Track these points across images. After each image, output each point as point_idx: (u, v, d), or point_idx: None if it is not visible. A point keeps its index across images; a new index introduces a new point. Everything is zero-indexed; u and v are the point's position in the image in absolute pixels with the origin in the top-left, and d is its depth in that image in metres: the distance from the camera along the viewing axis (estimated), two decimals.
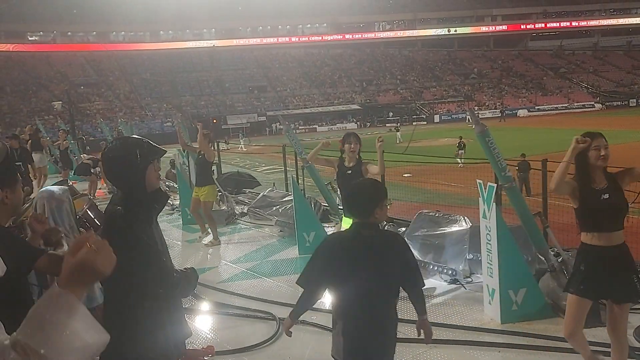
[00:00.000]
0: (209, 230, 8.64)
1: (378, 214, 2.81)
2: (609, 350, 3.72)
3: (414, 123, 48.05)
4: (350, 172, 5.56)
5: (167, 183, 13.75)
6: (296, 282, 2.96)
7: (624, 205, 3.43)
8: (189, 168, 11.12)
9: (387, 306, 2.88)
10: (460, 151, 20.77)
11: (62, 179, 13.85)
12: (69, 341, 1.17)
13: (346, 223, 5.82)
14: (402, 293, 2.98)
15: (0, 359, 1.14)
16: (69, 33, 68.65)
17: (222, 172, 13.98)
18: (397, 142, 31.35)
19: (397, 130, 36.42)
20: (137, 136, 2.72)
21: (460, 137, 21.68)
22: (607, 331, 3.60)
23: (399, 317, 5.18)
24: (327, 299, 5.83)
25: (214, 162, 9.67)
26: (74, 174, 14.23)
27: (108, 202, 2.75)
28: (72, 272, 1.24)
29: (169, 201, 12.31)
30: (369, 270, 2.76)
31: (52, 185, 4.25)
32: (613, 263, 3.41)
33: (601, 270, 3.42)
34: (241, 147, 34.81)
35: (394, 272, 2.82)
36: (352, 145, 5.55)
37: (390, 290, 2.86)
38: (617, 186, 3.42)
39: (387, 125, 56.98)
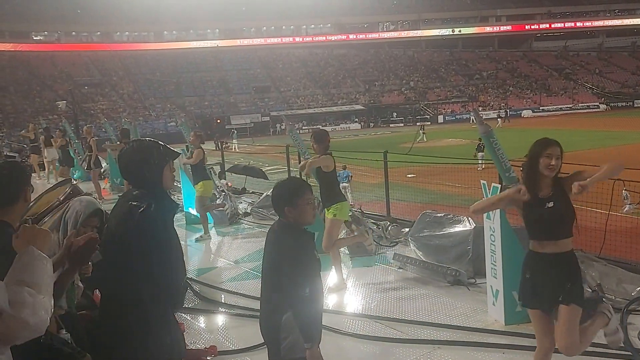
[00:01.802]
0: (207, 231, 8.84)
1: (289, 212, 2.92)
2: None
3: (417, 124, 47.96)
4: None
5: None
6: None
7: (569, 213, 3.32)
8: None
9: (273, 300, 2.95)
10: (480, 153, 20.42)
11: (64, 178, 13.88)
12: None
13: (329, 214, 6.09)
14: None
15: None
16: (73, 33, 68.78)
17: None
18: (417, 140, 31.44)
19: (422, 130, 36.18)
20: (150, 139, 2.80)
21: (480, 139, 21.32)
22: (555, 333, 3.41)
23: (403, 318, 5.19)
24: (331, 300, 5.84)
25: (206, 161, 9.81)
26: (87, 168, 14.29)
27: (117, 200, 2.78)
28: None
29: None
30: (264, 265, 3.03)
31: (56, 184, 4.26)
32: (555, 270, 3.32)
33: (543, 278, 3.33)
34: (234, 146, 34.29)
35: (272, 272, 2.96)
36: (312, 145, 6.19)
37: (274, 287, 2.94)
38: (564, 193, 3.31)
39: (390, 125, 57.00)
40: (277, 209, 3.02)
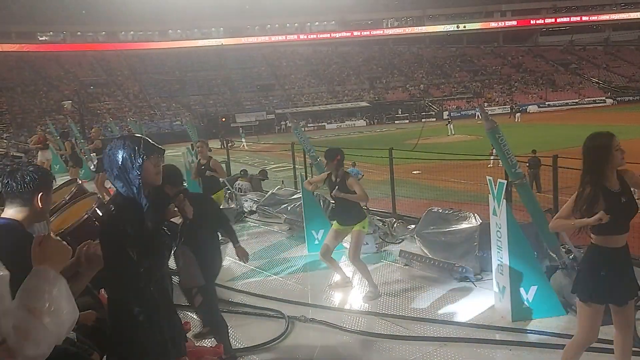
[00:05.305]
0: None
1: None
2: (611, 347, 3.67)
3: (422, 120, 47.90)
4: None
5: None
6: None
7: (636, 206, 3.32)
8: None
9: None
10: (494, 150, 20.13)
11: (70, 178, 13.90)
12: (58, 308, 1.59)
13: (336, 226, 5.95)
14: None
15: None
16: (79, 33, 69.04)
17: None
18: (449, 134, 36.51)
19: (449, 123, 38.90)
20: (135, 134, 2.76)
21: None
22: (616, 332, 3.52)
23: (409, 315, 5.18)
24: (335, 298, 5.83)
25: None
26: (96, 171, 14.31)
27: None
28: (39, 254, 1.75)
29: None
30: None
31: (62, 184, 4.27)
32: (622, 264, 3.36)
33: (615, 273, 3.34)
34: (243, 144, 34.59)
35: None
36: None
37: None
38: (628, 187, 3.32)
39: (395, 122, 56.92)
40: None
